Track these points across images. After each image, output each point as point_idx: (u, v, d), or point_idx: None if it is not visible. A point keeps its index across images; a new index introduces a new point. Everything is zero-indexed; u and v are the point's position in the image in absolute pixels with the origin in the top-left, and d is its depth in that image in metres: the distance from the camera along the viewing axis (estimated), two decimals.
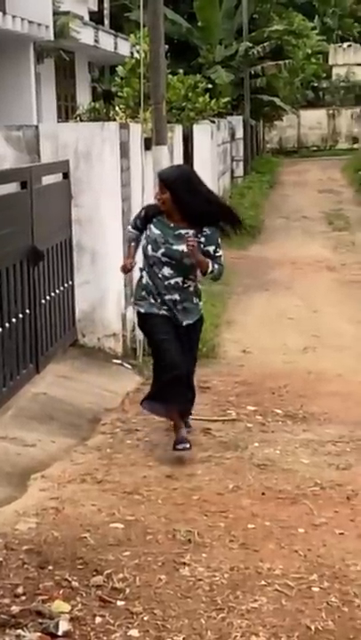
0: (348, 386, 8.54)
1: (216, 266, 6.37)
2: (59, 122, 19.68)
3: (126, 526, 5.18)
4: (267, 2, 32.99)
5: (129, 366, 8.78)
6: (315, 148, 48.63)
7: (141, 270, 6.53)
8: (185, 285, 6.40)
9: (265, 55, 30.57)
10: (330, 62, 51.95)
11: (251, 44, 30.11)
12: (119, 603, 4.34)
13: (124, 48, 23.75)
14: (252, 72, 30.68)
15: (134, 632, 4.12)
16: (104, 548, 4.88)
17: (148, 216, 6.48)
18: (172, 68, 18.06)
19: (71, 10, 20.57)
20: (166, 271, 6.34)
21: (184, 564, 4.76)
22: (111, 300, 8.95)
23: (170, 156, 12.33)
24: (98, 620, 4.19)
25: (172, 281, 6.35)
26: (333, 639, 4.14)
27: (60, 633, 4.02)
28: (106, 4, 30.69)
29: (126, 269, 6.69)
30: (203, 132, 18.11)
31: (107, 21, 29.99)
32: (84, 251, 8.82)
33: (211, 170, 18.43)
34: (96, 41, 23.08)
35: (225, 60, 29.51)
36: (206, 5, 28.96)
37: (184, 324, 6.44)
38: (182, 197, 6.26)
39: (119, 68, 16.91)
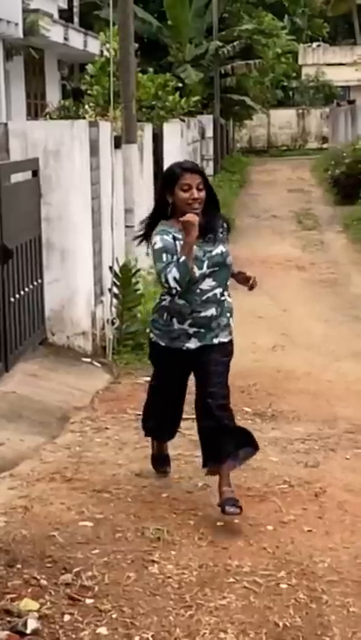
0: (317, 384, 8.59)
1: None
2: (28, 120, 19.58)
3: (95, 524, 5.18)
4: (237, 1, 33.00)
5: (98, 365, 8.77)
6: (285, 148, 48.68)
7: (165, 295, 5.60)
8: (222, 298, 5.70)
9: (235, 54, 30.63)
10: (300, 62, 52.02)
11: (221, 44, 30.15)
12: (88, 600, 4.35)
13: (94, 46, 23.70)
14: (222, 71, 30.73)
15: (103, 630, 4.12)
16: (73, 546, 4.88)
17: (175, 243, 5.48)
18: (141, 67, 18.02)
19: (41, 7, 20.46)
20: (207, 284, 5.61)
21: (153, 561, 4.78)
22: (81, 299, 8.93)
23: (140, 154, 12.33)
24: (67, 617, 4.19)
25: (211, 294, 5.62)
26: (301, 636, 4.17)
27: (28, 631, 4.01)
28: (75, 2, 30.60)
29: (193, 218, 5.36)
30: (173, 131, 18.10)
31: (76, 19, 29.90)
32: (53, 249, 8.79)
33: None
34: (66, 39, 23.00)
35: (195, 58, 29.49)
36: (176, 4, 28.92)
37: (215, 341, 5.59)
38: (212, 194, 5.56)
39: (89, 66, 16.87)
